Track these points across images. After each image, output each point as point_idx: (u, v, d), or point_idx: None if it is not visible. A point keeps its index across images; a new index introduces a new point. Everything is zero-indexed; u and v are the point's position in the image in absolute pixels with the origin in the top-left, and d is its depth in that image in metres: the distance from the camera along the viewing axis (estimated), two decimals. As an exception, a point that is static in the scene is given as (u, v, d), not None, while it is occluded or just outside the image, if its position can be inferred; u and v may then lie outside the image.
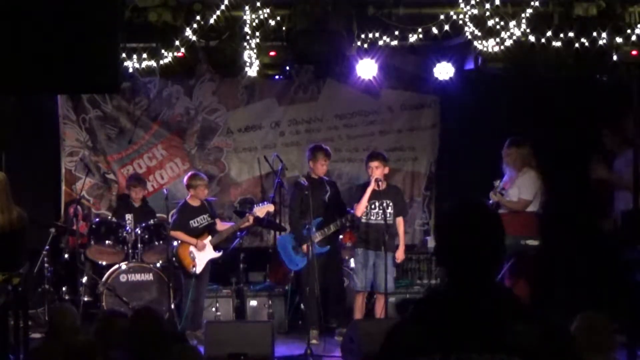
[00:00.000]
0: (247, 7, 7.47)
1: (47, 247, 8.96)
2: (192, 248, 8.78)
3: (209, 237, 8.91)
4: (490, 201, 8.32)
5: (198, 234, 8.88)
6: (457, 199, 2.47)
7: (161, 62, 7.53)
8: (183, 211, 8.89)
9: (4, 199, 6.70)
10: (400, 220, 8.62)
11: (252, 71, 7.74)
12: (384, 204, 8.36)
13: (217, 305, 9.15)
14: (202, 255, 8.80)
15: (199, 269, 8.73)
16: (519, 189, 8.42)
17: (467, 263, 2.35)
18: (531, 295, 8.20)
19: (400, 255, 8.57)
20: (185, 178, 9.10)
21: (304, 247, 8.42)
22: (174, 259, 8.82)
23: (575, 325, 4.52)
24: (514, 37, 7.47)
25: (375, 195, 8.41)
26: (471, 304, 2.30)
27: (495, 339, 2.25)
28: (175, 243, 8.86)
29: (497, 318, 2.28)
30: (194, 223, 8.90)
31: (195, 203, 8.95)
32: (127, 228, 9.06)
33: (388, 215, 8.39)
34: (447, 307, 2.33)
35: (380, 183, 8.36)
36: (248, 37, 7.53)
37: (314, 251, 8.24)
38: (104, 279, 8.87)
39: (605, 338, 4.47)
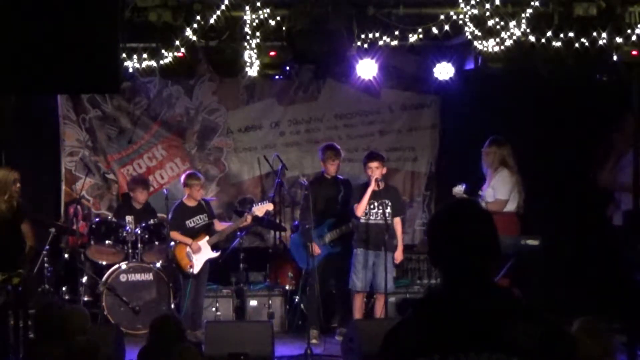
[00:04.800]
0: (247, 7, 7.47)
1: (47, 247, 8.95)
2: (189, 248, 8.79)
3: (207, 237, 8.90)
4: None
5: (195, 234, 8.88)
6: (447, 201, 2.48)
7: (161, 62, 7.53)
8: (178, 211, 8.90)
9: None
10: (398, 221, 8.61)
11: (252, 71, 7.74)
12: (383, 204, 8.36)
13: (217, 305, 9.15)
14: (200, 255, 8.81)
15: (196, 269, 8.73)
16: (493, 189, 8.44)
17: (461, 263, 2.35)
18: (530, 295, 8.20)
19: (399, 255, 8.56)
20: (183, 177, 9.12)
21: (314, 247, 8.37)
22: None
23: (575, 328, 4.52)
24: (514, 37, 7.47)
25: (374, 195, 8.40)
26: (468, 304, 2.31)
27: (493, 339, 2.25)
28: (172, 243, 8.85)
29: (495, 318, 2.28)
30: (190, 223, 8.90)
31: (192, 203, 8.95)
32: (127, 228, 9.05)
33: (387, 215, 8.39)
34: (444, 307, 2.33)
35: (379, 183, 8.36)
36: (248, 37, 7.53)
37: (313, 251, 8.23)
38: (104, 279, 8.87)
39: (605, 343, 4.47)
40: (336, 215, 8.70)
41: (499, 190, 8.40)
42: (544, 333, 2.27)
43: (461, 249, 2.35)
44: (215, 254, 8.92)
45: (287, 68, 8.08)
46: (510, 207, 8.42)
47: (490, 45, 7.52)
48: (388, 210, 8.44)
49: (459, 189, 8.34)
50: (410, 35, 7.66)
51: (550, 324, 2.31)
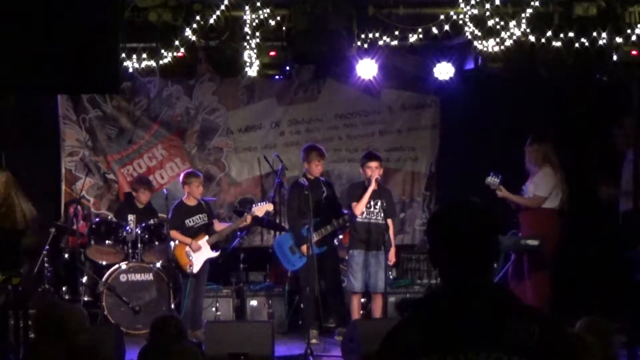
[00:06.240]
0: (247, 7, 7.47)
1: (47, 247, 8.95)
2: (188, 247, 8.78)
3: (206, 237, 8.90)
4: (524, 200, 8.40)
5: (194, 233, 8.87)
6: (447, 200, 2.47)
7: (161, 62, 7.53)
8: (178, 210, 8.88)
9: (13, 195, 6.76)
10: (389, 222, 8.60)
11: (252, 71, 7.74)
12: (381, 204, 8.37)
13: (217, 305, 9.15)
14: (199, 254, 8.80)
15: (195, 268, 8.71)
16: (535, 185, 8.46)
17: (460, 264, 2.35)
18: (534, 295, 8.22)
19: (392, 257, 8.54)
20: (181, 176, 9.11)
21: (304, 247, 8.40)
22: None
23: (579, 328, 4.52)
24: (514, 37, 7.48)
25: (372, 195, 8.40)
26: (468, 304, 2.31)
27: (492, 338, 2.25)
28: (172, 243, 8.85)
29: (494, 317, 2.28)
30: (189, 222, 8.89)
31: (191, 202, 8.94)
32: (127, 228, 9.05)
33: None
34: (444, 307, 2.33)
35: (379, 183, 8.38)
36: (248, 37, 7.53)
37: (313, 251, 8.23)
38: (104, 278, 8.87)
39: (608, 343, 4.48)
40: (320, 216, 8.68)
41: (540, 187, 8.43)
42: (543, 332, 2.27)
43: (460, 249, 2.35)
44: (214, 254, 8.92)
45: (287, 68, 8.08)
46: (552, 204, 8.44)
47: (490, 45, 7.52)
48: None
49: (493, 180, 8.31)
50: (410, 35, 7.66)
51: (550, 322, 2.31)
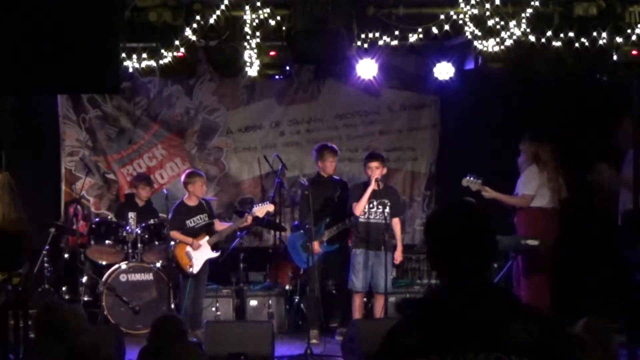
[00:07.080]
0: (247, 7, 7.47)
1: (47, 247, 8.95)
2: (188, 248, 8.78)
3: (207, 237, 8.90)
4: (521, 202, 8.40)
5: (195, 233, 8.87)
6: (445, 201, 2.47)
7: (161, 62, 7.54)
8: (179, 211, 8.88)
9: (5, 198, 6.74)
10: (396, 221, 8.61)
11: (252, 71, 7.74)
12: (383, 204, 8.37)
13: (217, 305, 9.15)
14: (200, 255, 8.80)
15: (195, 268, 8.71)
16: (522, 184, 8.48)
17: (458, 264, 2.35)
18: (532, 295, 8.21)
19: (398, 256, 8.55)
20: (183, 176, 9.10)
21: (315, 244, 8.40)
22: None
23: (579, 328, 4.52)
24: (514, 37, 7.48)
25: (374, 195, 8.41)
26: (467, 304, 2.31)
27: (491, 338, 2.25)
28: (172, 243, 8.85)
29: (493, 317, 2.29)
30: (190, 223, 8.89)
31: (192, 203, 8.94)
32: (128, 228, 9.05)
33: (386, 214, 8.40)
34: (443, 307, 2.34)
35: (379, 183, 8.37)
36: (248, 37, 7.54)
37: (313, 251, 8.23)
38: (104, 278, 8.87)
39: (608, 343, 4.48)
40: (332, 214, 8.70)
41: (526, 186, 8.47)
42: (543, 332, 2.27)
43: (457, 250, 2.35)
44: (215, 254, 8.92)
45: (287, 68, 8.08)
46: (540, 203, 8.44)
47: (490, 45, 7.52)
48: (387, 210, 8.45)
49: (472, 182, 8.30)
50: (410, 35, 7.67)
51: (549, 322, 2.31)
